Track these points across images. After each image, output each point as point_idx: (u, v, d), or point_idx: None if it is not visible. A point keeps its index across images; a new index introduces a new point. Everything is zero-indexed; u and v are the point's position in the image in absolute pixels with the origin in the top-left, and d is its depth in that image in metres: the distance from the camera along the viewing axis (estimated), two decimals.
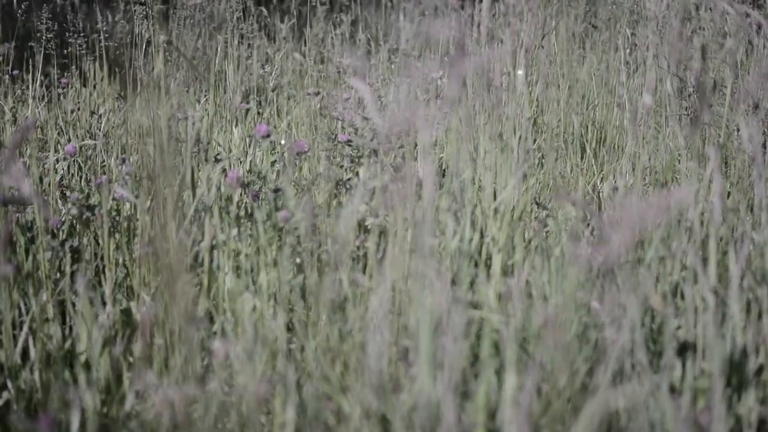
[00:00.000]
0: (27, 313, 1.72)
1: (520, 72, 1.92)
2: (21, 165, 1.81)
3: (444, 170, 2.15)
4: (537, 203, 2.04)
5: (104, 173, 2.52)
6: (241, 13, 4.35)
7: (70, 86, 3.79)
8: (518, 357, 1.19)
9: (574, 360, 1.22)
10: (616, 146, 2.66)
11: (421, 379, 1.10)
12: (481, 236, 1.94)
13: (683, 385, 1.30)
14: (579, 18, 3.95)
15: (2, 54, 1.24)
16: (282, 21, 4.35)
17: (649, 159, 2.23)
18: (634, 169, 2.17)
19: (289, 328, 1.67)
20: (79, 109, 3.40)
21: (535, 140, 2.48)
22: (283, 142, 2.41)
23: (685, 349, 1.32)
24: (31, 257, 1.99)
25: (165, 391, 1.08)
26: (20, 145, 1.09)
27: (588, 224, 1.92)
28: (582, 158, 2.82)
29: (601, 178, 2.68)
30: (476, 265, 1.85)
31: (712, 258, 1.40)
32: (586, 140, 2.91)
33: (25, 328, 1.65)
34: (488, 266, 1.78)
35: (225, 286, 1.82)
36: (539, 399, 1.23)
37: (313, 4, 4.67)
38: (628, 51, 2.79)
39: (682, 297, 1.61)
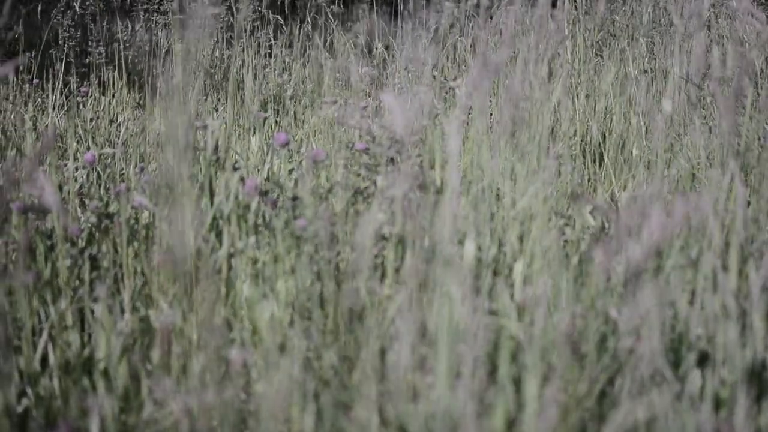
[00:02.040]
0: (46, 321, 1.72)
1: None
2: (41, 173, 1.82)
3: (462, 178, 2.14)
4: (555, 211, 2.04)
5: (123, 181, 2.53)
6: (258, 22, 4.37)
7: (89, 95, 3.82)
8: (537, 366, 1.18)
9: (593, 369, 1.21)
10: (634, 155, 2.65)
11: (440, 388, 1.09)
12: (500, 244, 1.93)
13: (704, 395, 1.30)
14: (596, 26, 3.95)
15: (22, 64, 1.25)
16: (298, 30, 4.36)
17: (669, 167, 2.22)
18: (653, 178, 2.17)
19: (307, 336, 1.67)
20: (98, 118, 3.42)
21: (552, 148, 2.48)
22: (300, 150, 2.42)
23: (705, 359, 1.31)
24: (50, 265, 2.00)
25: (183, 398, 1.08)
26: (42, 155, 1.09)
27: (607, 233, 1.91)
28: (600, 167, 2.81)
29: (620, 187, 2.67)
30: (495, 273, 1.85)
31: (732, 267, 1.39)
32: (605, 149, 2.90)
33: (45, 335, 1.65)
34: (507, 275, 1.78)
35: (243, 294, 1.82)
36: (559, 408, 1.22)
37: (328, 11, 4.69)
38: (646, 59, 2.78)
39: (702, 306, 1.60)
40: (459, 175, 1.13)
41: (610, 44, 3.66)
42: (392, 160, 2.04)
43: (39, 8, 4.54)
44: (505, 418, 1.17)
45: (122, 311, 1.85)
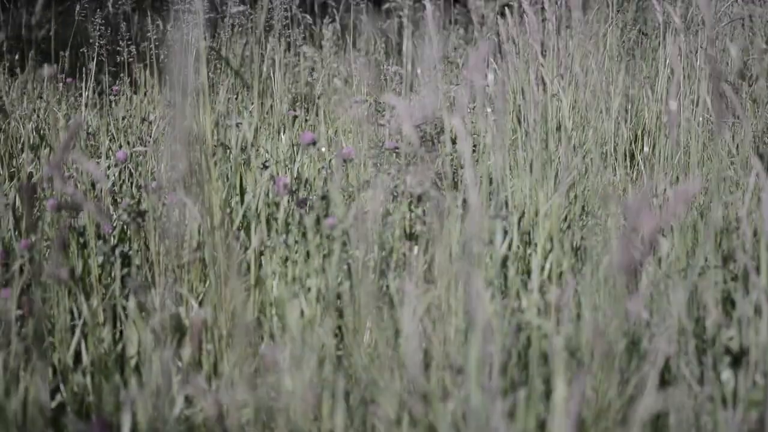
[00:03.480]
0: (79, 317, 1.74)
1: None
2: (74, 171, 1.84)
3: (490, 178, 2.14)
4: (585, 211, 2.03)
5: (154, 179, 2.55)
6: (289, 21, 4.38)
7: (121, 93, 3.85)
8: (567, 366, 1.18)
9: (623, 371, 1.21)
10: (664, 154, 2.63)
11: (469, 387, 1.10)
12: (528, 244, 1.93)
13: (736, 397, 1.29)
14: (628, 25, 3.92)
15: (55, 63, 1.27)
16: (328, 30, 4.37)
17: (699, 167, 2.21)
18: (684, 177, 2.15)
19: (337, 334, 1.67)
20: (130, 116, 3.44)
21: (579, 147, 2.47)
22: (329, 149, 2.43)
23: (737, 361, 1.31)
24: (82, 262, 2.02)
25: (214, 395, 1.09)
26: (70, 146, 1.10)
27: (637, 232, 1.90)
28: (631, 166, 2.79)
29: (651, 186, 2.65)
30: (524, 273, 1.85)
31: (764, 266, 1.38)
32: (635, 148, 2.88)
33: (78, 331, 1.67)
34: (538, 272, 1.77)
35: (273, 292, 1.83)
36: (588, 409, 1.22)
37: (357, 7, 4.69)
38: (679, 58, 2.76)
39: (733, 306, 1.59)
40: (473, 174, 1.13)
41: (642, 43, 3.63)
42: (422, 158, 2.04)
43: (70, 7, 4.59)
44: (535, 418, 1.17)
45: (153, 308, 1.87)
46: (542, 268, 1.76)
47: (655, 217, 0.88)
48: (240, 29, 3.94)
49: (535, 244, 1.98)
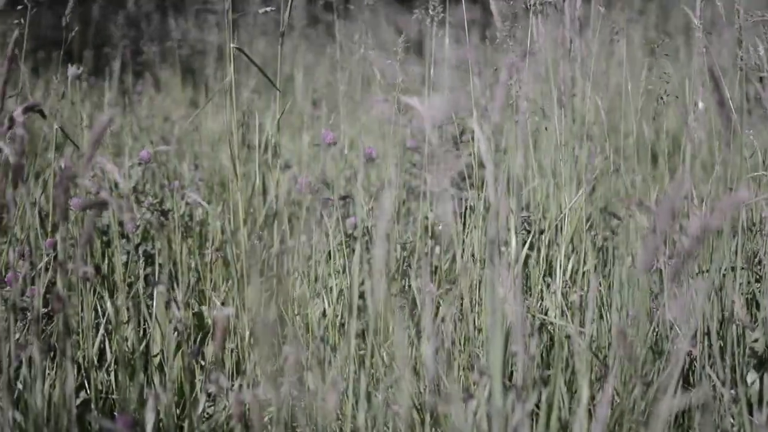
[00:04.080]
0: (103, 315, 1.75)
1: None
2: (98, 170, 1.85)
3: (510, 177, 2.14)
4: (608, 212, 2.02)
5: (177, 179, 2.56)
6: (310, 21, 4.39)
7: (144, 93, 3.87)
8: (591, 366, 1.18)
9: (647, 372, 1.20)
10: (688, 155, 2.61)
11: (492, 388, 1.09)
12: (551, 244, 1.92)
13: (762, 399, 1.28)
14: (651, 25, 3.89)
15: (76, 76, 1.28)
16: (350, 29, 4.37)
17: (725, 168, 2.19)
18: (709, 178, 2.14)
19: (359, 333, 1.67)
20: (152, 116, 3.46)
21: (602, 148, 2.46)
22: (350, 149, 2.43)
23: (762, 363, 1.30)
24: (106, 260, 2.04)
25: (237, 394, 1.10)
26: (98, 143, 1.11)
27: (660, 233, 1.89)
28: (654, 167, 2.78)
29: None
30: (546, 273, 1.84)
31: None
32: (659, 149, 2.87)
33: (102, 329, 1.68)
34: (560, 273, 1.77)
35: (295, 292, 1.83)
36: (612, 409, 1.21)
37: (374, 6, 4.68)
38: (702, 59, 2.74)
39: (758, 307, 1.58)
40: (495, 173, 1.12)
41: (664, 43, 3.61)
42: (443, 158, 2.03)
43: (91, 7, 4.61)
44: (558, 418, 1.17)
45: (176, 307, 1.88)
46: (565, 269, 1.76)
47: (702, 219, 0.87)
48: (263, 28, 3.96)
49: (557, 244, 1.97)
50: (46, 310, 1.37)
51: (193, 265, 2.18)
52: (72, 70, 1.17)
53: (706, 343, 1.32)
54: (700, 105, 1.53)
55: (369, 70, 3.71)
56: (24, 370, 1.23)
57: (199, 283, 2.14)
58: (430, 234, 2.13)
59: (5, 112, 1.13)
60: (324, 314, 1.79)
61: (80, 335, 1.58)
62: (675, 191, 0.85)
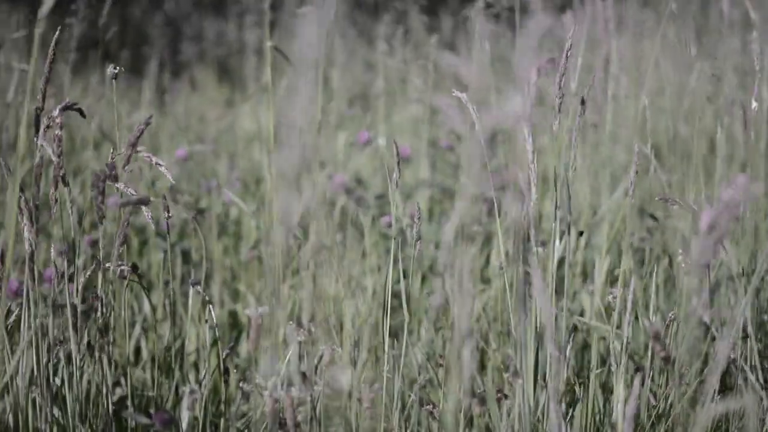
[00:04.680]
0: (139, 313, 1.77)
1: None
2: (137, 169, 1.87)
3: (545, 177, 2.13)
4: (645, 213, 2.00)
5: (213, 177, 2.58)
6: (346, 21, 4.39)
7: (180, 92, 3.90)
8: (627, 368, 1.17)
9: (684, 374, 1.19)
10: (724, 154, 2.59)
11: (525, 388, 1.09)
12: (586, 245, 1.91)
13: None
14: (687, 24, 3.84)
15: (113, 76, 1.29)
16: (383, 30, 4.38)
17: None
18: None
19: (393, 333, 1.67)
20: (189, 115, 3.48)
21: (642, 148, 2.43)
22: (385, 148, 2.43)
23: None
24: (143, 259, 2.05)
25: (271, 393, 1.10)
26: (137, 144, 1.12)
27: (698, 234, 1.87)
28: (690, 168, 2.75)
29: (709, 188, 2.60)
30: (582, 274, 1.83)
31: None
32: (695, 150, 2.83)
33: (138, 327, 1.70)
34: (599, 274, 1.76)
35: (330, 291, 1.84)
36: (648, 412, 1.20)
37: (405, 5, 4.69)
38: (741, 59, 2.72)
39: None
40: (534, 175, 1.12)
41: (702, 42, 3.57)
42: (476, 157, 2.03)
43: (127, 6, 4.65)
44: (593, 420, 1.16)
45: (211, 305, 1.89)
46: (603, 272, 1.74)
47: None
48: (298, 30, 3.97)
49: (592, 246, 1.96)
50: (84, 307, 1.38)
51: (228, 263, 2.19)
52: (110, 69, 1.18)
53: (746, 345, 1.31)
54: (754, 104, 1.52)
55: (403, 69, 3.71)
56: (62, 366, 1.24)
57: (234, 281, 2.16)
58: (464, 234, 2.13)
59: (46, 111, 1.15)
60: (358, 313, 1.79)
61: (116, 332, 1.59)
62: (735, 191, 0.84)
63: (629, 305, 1.16)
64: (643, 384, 1.20)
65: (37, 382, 1.19)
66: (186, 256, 2.10)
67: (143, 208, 1.11)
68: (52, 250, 1.25)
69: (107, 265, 1.15)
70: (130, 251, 2.04)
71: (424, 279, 2.02)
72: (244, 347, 1.83)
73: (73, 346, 1.18)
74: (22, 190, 1.15)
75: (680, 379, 1.12)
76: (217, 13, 4.91)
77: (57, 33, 1.03)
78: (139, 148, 1.19)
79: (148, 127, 3.02)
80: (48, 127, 1.15)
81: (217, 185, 2.40)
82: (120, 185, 1.13)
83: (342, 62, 3.81)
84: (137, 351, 1.69)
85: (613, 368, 1.18)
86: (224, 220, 2.32)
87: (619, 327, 1.23)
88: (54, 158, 1.10)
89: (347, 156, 2.71)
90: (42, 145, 1.14)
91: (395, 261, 1.49)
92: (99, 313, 1.14)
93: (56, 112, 1.11)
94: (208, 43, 4.41)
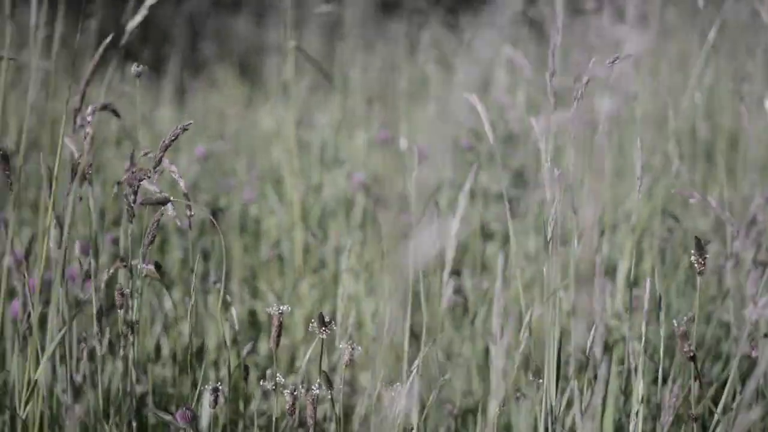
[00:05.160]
0: (159, 310, 1.78)
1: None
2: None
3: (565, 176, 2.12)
4: (666, 212, 2.00)
5: (232, 176, 2.59)
6: (366, 21, 4.40)
7: (200, 91, 3.91)
8: (646, 368, 1.17)
9: (706, 374, 1.19)
10: (749, 155, 2.57)
11: (548, 389, 1.09)
12: (608, 245, 1.90)
13: None
14: (707, 22, 3.81)
15: (139, 73, 1.30)
16: (404, 30, 4.38)
17: None
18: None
19: (412, 332, 1.67)
20: (208, 113, 3.49)
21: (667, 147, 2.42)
22: (405, 147, 2.43)
23: None
24: (163, 256, 2.06)
25: (291, 391, 1.10)
26: (169, 146, 1.13)
27: (720, 234, 1.86)
28: (711, 167, 2.73)
29: (732, 188, 2.58)
30: (603, 274, 1.82)
31: None
32: (716, 149, 2.82)
33: (158, 325, 1.70)
34: (621, 274, 1.75)
35: (348, 289, 1.84)
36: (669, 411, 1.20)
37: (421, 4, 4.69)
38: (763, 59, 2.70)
39: None
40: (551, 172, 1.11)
41: (723, 41, 3.55)
42: (496, 157, 2.03)
43: (154, 6, 4.66)
44: (612, 419, 1.16)
45: (231, 303, 1.90)
46: (616, 269, 1.74)
47: None
48: (321, 29, 3.97)
49: (613, 245, 1.95)
50: (105, 305, 1.39)
51: (247, 261, 2.20)
52: (133, 67, 1.19)
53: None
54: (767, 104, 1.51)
55: (423, 68, 3.71)
56: (84, 363, 1.25)
57: (253, 279, 2.16)
58: (483, 233, 2.12)
59: (80, 111, 1.16)
60: (377, 312, 1.80)
61: (138, 330, 1.60)
62: None
63: (648, 305, 1.16)
64: (665, 382, 1.19)
65: (62, 378, 1.20)
66: (206, 254, 2.11)
67: (168, 206, 1.12)
68: (75, 248, 1.26)
69: (134, 262, 1.16)
70: (144, 249, 2.05)
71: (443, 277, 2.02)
72: (263, 345, 1.84)
73: (96, 344, 1.19)
74: (51, 189, 1.16)
75: (702, 377, 1.12)
76: (238, 12, 4.92)
77: (78, 34, 1.04)
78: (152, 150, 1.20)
79: (169, 125, 3.01)
80: (80, 126, 1.16)
81: (237, 183, 2.41)
82: (153, 186, 1.14)
83: (362, 61, 3.81)
84: (157, 348, 1.70)
85: (633, 367, 1.18)
86: (244, 218, 2.33)
87: (640, 327, 1.23)
88: (85, 157, 1.11)
89: (367, 155, 2.71)
90: (73, 144, 1.15)
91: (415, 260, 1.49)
92: (124, 310, 1.14)
93: (89, 111, 1.12)
94: (228, 42, 4.42)
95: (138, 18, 0.94)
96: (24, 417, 1.13)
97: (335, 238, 2.11)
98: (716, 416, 1.10)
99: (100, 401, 1.21)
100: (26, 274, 1.19)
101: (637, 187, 1.13)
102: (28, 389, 1.12)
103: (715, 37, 1.86)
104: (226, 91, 3.92)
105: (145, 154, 1.18)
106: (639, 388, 1.13)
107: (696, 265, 1.10)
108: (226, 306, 1.40)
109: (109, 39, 0.95)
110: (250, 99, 3.79)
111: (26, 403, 1.13)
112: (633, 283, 1.76)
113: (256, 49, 4.15)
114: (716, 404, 1.15)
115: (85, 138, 1.10)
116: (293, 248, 2.08)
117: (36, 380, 1.09)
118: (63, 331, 0.96)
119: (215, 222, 1.15)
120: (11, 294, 1.32)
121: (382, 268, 1.89)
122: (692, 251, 1.10)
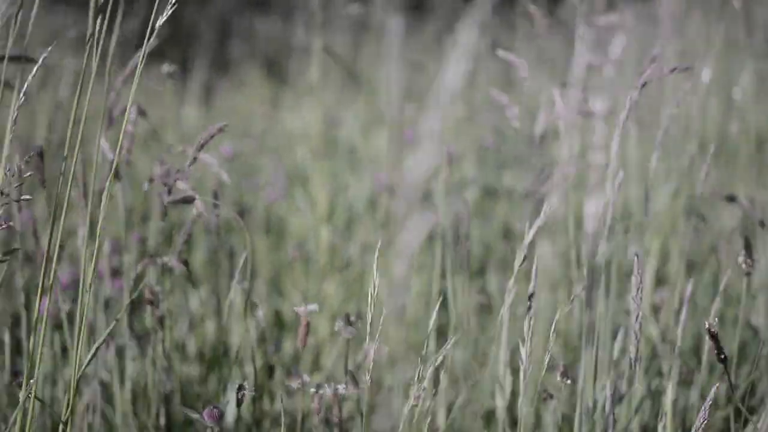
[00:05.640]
0: (185, 309, 1.79)
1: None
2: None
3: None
4: (693, 212, 1.98)
5: (258, 175, 2.59)
6: (395, 21, 4.39)
7: (227, 90, 3.92)
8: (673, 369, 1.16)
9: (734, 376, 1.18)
10: None
11: (585, 388, 1.09)
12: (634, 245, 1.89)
13: None
14: (736, 22, 3.78)
15: (169, 73, 1.31)
16: (430, 29, 4.37)
17: None
18: None
19: (438, 331, 1.67)
20: (235, 112, 3.51)
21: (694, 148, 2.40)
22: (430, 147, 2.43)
23: None
24: (189, 255, 2.07)
25: (316, 389, 1.11)
26: (204, 146, 1.14)
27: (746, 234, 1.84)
28: (738, 168, 2.71)
29: (759, 188, 2.55)
30: (628, 275, 1.82)
31: None
32: (743, 149, 2.79)
33: (185, 323, 1.71)
34: (648, 275, 1.74)
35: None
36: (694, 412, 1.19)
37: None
38: None
39: None
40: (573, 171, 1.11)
41: (752, 40, 3.52)
42: (522, 157, 2.02)
43: (182, 6, 4.69)
44: (639, 420, 1.15)
45: (257, 301, 1.90)
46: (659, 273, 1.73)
47: None
48: (348, 29, 3.98)
49: (640, 245, 1.94)
50: (133, 303, 1.40)
51: (273, 260, 2.21)
52: (164, 67, 1.20)
53: None
54: None
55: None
56: (111, 360, 1.26)
57: (278, 278, 2.17)
58: (507, 233, 2.12)
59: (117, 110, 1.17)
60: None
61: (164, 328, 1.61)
62: None
63: (677, 305, 1.15)
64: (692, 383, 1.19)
65: (89, 375, 1.21)
66: (231, 253, 2.11)
67: (196, 204, 1.13)
68: (104, 245, 1.28)
69: (165, 259, 1.17)
70: (174, 248, 2.06)
71: (471, 277, 2.02)
72: (288, 345, 1.84)
73: (126, 341, 1.20)
74: (83, 187, 1.17)
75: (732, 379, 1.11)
76: (266, 12, 4.93)
77: (114, 34, 1.05)
78: (185, 147, 1.21)
79: (195, 124, 3.03)
80: (112, 125, 1.18)
81: (262, 182, 2.42)
82: (185, 185, 1.16)
83: (389, 61, 3.81)
84: (183, 347, 1.71)
85: (663, 369, 1.17)
86: (269, 217, 2.34)
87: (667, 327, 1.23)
88: (122, 155, 1.12)
89: (393, 154, 2.71)
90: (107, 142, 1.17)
91: (441, 259, 1.49)
92: (154, 308, 1.15)
93: (129, 111, 1.13)
94: (255, 42, 4.42)
95: (164, 17, 0.95)
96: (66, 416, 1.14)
97: (361, 237, 2.11)
98: (743, 416, 1.09)
99: (129, 398, 1.22)
100: (56, 271, 1.21)
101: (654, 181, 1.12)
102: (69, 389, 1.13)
103: (747, 39, 1.84)
104: (253, 91, 3.93)
105: (182, 151, 1.19)
106: (668, 389, 1.12)
107: (744, 265, 1.10)
108: (251, 305, 1.41)
109: (149, 40, 0.96)
110: (276, 98, 3.80)
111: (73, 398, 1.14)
112: (659, 282, 1.75)
113: (284, 48, 4.15)
114: (744, 404, 1.15)
115: (122, 137, 1.11)
116: (318, 248, 2.08)
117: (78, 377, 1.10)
118: (112, 326, 0.96)
119: (241, 221, 1.16)
120: (41, 291, 1.33)
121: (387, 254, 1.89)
122: (741, 252, 1.09)
